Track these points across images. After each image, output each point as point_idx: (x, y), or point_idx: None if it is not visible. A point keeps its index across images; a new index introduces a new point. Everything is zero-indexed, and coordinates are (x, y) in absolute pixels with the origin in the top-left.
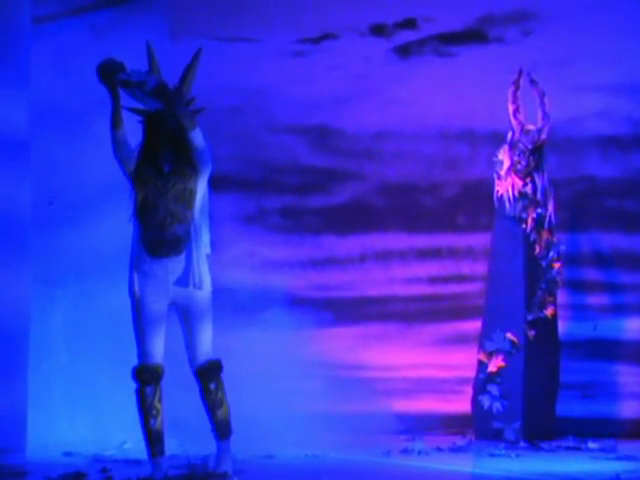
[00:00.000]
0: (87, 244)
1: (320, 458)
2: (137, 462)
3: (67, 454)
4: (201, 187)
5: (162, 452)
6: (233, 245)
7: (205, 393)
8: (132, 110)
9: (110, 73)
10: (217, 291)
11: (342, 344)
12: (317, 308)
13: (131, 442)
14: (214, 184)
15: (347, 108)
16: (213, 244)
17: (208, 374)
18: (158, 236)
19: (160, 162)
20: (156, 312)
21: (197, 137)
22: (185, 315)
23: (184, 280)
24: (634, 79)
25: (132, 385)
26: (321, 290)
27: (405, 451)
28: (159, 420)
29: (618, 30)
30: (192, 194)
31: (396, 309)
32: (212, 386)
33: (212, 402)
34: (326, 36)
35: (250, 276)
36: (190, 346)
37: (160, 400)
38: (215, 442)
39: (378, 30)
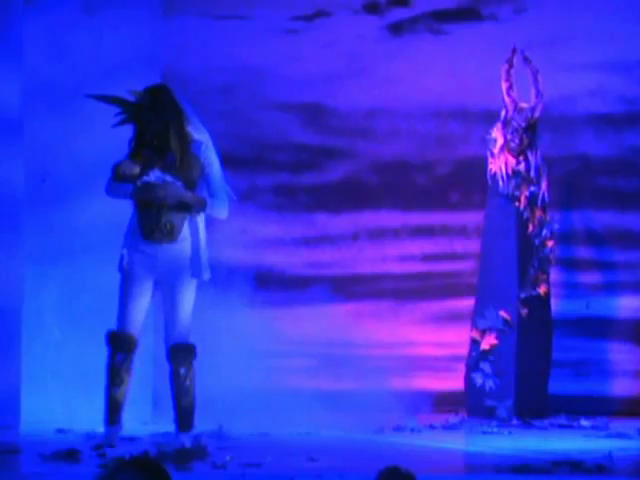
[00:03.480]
0: (80, 221)
1: (313, 435)
2: (130, 439)
3: (60, 431)
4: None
5: (118, 421)
6: (225, 223)
7: (174, 376)
8: (121, 123)
9: None
10: (209, 269)
11: (335, 322)
12: (310, 286)
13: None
14: None
15: (340, 86)
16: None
17: (181, 356)
18: (154, 221)
19: (163, 150)
20: (141, 285)
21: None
22: (169, 293)
23: (194, 270)
24: (627, 57)
25: None
26: (314, 268)
27: (398, 428)
28: (122, 390)
29: (611, 8)
30: (194, 185)
31: (389, 287)
32: (182, 370)
33: (179, 388)
34: (319, 14)
35: (242, 254)
36: (168, 324)
37: (128, 371)
38: (176, 433)
39: (371, 8)
